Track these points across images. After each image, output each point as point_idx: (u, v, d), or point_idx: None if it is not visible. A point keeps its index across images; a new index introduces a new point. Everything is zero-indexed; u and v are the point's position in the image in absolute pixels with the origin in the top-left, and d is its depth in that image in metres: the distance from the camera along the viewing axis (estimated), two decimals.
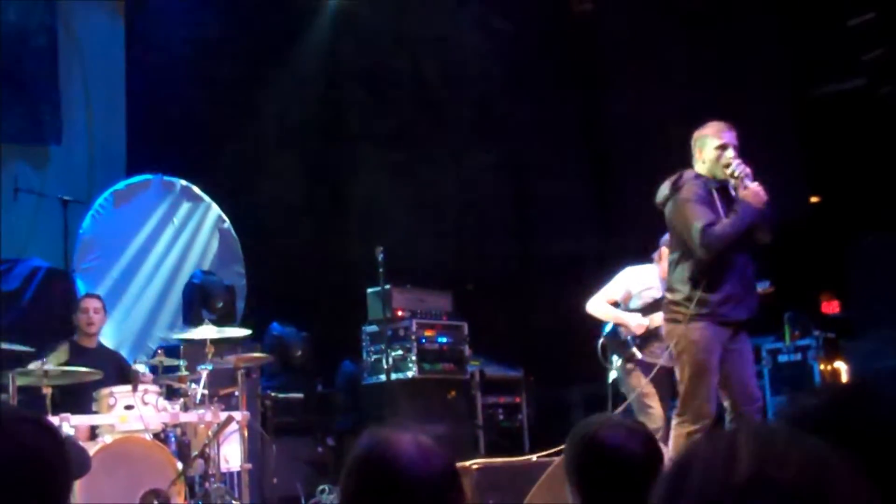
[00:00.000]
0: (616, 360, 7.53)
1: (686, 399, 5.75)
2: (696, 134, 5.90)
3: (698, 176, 5.83)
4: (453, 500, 2.12)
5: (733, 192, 5.82)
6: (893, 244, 8.64)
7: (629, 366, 7.45)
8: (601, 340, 7.67)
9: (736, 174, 5.70)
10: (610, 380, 7.62)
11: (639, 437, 2.58)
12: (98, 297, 8.02)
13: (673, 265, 5.97)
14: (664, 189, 5.91)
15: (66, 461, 1.77)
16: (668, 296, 5.99)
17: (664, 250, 6.98)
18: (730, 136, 5.82)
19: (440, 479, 2.12)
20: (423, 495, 2.07)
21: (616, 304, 7.61)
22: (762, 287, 6.50)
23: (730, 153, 5.75)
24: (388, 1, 11.46)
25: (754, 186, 5.66)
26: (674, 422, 5.84)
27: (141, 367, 7.27)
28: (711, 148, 5.81)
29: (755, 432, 1.10)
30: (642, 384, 7.23)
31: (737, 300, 5.77)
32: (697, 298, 5.72)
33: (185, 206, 10.80)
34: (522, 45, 11.30)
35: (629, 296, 7.60)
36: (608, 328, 7.63)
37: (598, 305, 7.59)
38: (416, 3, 11.33)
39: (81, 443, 6.56)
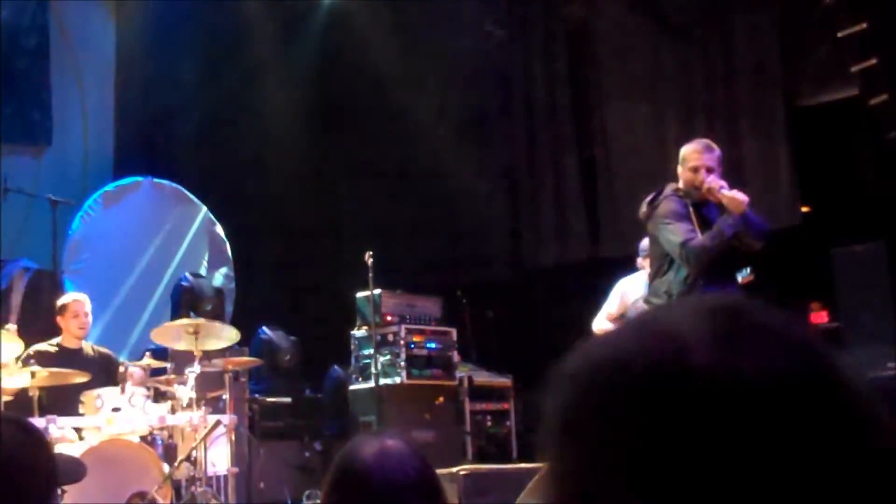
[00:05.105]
0: None
1: None
2: (682, 150, 5.97)
3: (676, 191, 5.91)
4: None
5: (713, 211, 5.87)
6: (883, 254, 8.65)
7: None
8: None
9: (708, 189, 5.76)
10: None
11: None
12: (86, 299, 7.91)
13: (651, 278, 6.10)
14: (643, 206, 6.01)
15: (49, 463, 1.76)
16: (645, 307, 6.08)
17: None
18: (706, 159, 5.85)
19: (404, 484, 2.09)
20: (384, 501, 2.06)
21: (619, 319, 7.56)
22: (742, 275, 6.51)
23: (701, 176, 5.80)
24: (381, 4, 11.46)
25: (731, 193, 5.71)
26: None
27: (135, 369, 7.26)
28: (686, 169, 5.88)
29: (705, 309, 0.85)
30: None
31: None
32: None
33: (175, 209, 10.78)
34: (515, 50, 11.31)
35: (626, 306, 7.58)
36: None
37: (601, 324, 7.56)
38: (411, 8, 11.33)
39: (68, 445, 6.55)
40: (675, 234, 5.79)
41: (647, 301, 6.13)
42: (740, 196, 5.71)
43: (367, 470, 2.10)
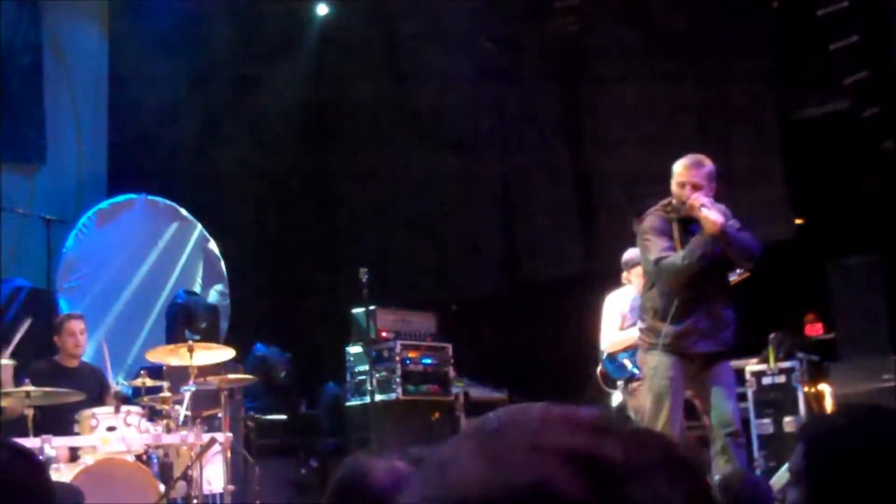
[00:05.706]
0: (619, 384, 7.52)
1: (648, 423, 5.85)
2: (674, 164, 6.00)
3: (665, 206, 5.98)
4: None
5: (700, 227, 5.92)
6: (878, 266, 8.66)
7: (632, 385, 7.42)
8: (599, 368, 7.67)
9: (690, 205, 5.79)
10: (614, 403, 7.62)
11: None
12: (82, 318, 7.92)
13: (643, 293, 6.20)
14: (635, 221, 6.20)
15: (44, 486, 1.75)
16: (639, 322, 6.26)
17: (634, 270, 7.20)
18: (693, 175, 5.88)
19: None
20: None
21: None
22: (737, 273, 6.53)
23: (685, 192, 5.83)
24: (373, 17, 11.48)
25: (707, 213, 5.73)
26: None
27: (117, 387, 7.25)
28: (675, 184, 5.93)
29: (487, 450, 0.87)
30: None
31: (701, 334, 5.89)
32: (657, 329, 5.91)
33: (169, 226, 10.76)
34: (508, 63, 11.32)
35: (625, 319, 7.59)
36: (604, 355, 7.60)
37: (613, 337, 7.53)
38: (402, 20, 11.35)
39: (63, 465, 6.52)
40: (650, 251, 5.91)
41: (641, 317, 6.24)
42: (713, 217, 5.74)
43: (367, 489, 2.09)
